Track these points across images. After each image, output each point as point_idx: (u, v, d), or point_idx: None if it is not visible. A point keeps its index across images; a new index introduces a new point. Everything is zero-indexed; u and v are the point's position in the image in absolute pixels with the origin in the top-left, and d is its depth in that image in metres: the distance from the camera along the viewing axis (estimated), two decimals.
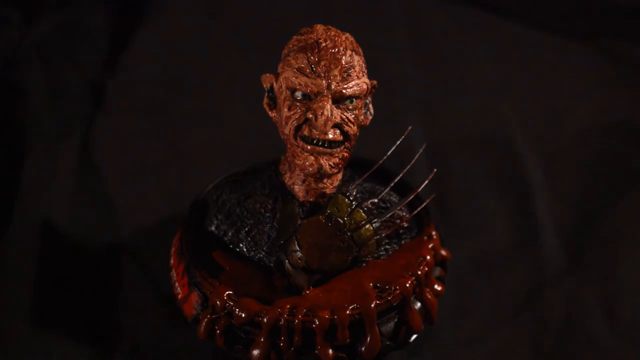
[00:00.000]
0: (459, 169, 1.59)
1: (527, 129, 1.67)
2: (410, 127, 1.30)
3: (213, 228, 1.31)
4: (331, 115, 1.18)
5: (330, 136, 1.20)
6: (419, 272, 1.26)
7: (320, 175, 1.22)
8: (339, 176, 1.28)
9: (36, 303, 1.33)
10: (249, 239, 1.28)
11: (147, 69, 1.81)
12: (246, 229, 1.28)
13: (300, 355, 1.22)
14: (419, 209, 1.29)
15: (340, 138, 1.21)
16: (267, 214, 1.27)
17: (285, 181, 1.27)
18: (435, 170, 1.31)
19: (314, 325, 1.19)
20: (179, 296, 1.29)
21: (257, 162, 1.37)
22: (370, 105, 1.27)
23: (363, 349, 1.22)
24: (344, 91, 1.19)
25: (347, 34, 1.23)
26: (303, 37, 1.21)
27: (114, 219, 1.50)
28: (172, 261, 1.33)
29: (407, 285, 1.24)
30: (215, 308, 1.23)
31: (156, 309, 1.35)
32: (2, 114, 1.65)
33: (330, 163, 1.21)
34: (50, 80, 1.75)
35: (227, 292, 1.23)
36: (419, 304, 1.27)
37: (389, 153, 1.28)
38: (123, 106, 1.73)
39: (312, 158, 1.21)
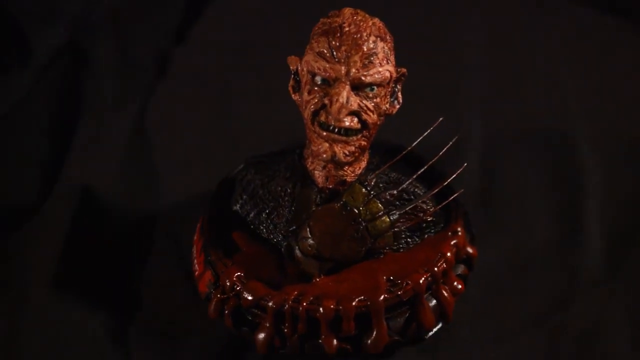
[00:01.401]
0: (512, 165, 1.53)
1: (592, 127, 1.59)
2: (441, 119, 1.26)
3: (237, 207, 1.30)
4: (347, 102, 1.15)
5: (347, 124, 1.16)
6: (436, 269, 1.22)
7: (334, 162, 1.19)
8: (363, 164, 1.24)
9: (62, 267, 1.36)
10: (269, 221, 1.26)
11: (214, 42, 1.81)
12: (267, 211, 1.27)
13: (303, 343, 1.20)
14: (442, 204, 1.25)
15: (358, 126, 1.18)
16: (287, 198, 1.25)
17: (307, 166, 1.25)
18: (465, 164, 1.26)
19: (318, 314, 1.17)
20: (196, 273, 1.29)
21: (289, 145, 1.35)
22: (399, 94, 1.23)
23: (369, 342, 1.19)
24: (363, 78, 1.15)
25: (376, 20, 1.19)
26: (329, 20, 1.18)
27: (155, 190, 1.51)
28: (195, 237, 1.34)
29: (421, 281, 1.20)
30: (225, 288, 1.22)
31: (178, 284, 1.35)
32: (66, 78, 1.69)
33: (345, 151, 1.18)
34: (119, 48, 1.78)
35: (237, 274, 1.22)
36: (434, 301, 1.24)
37: (414, 144, 1.24)
38: (185, 78, 1.73)
39: (327, 145, 1.18)
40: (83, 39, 1.78)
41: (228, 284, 1.22)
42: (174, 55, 1.79)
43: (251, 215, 1.28)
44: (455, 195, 1.26)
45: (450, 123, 1.54)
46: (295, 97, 1.22)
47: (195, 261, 1.30)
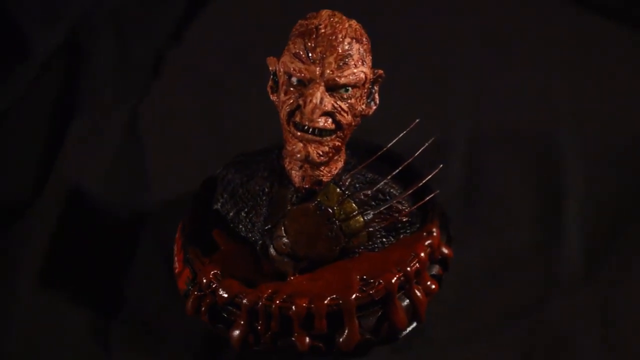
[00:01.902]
0: (495, 166, 1.54)
1: (577, 129, 1.59)
2: (417, 120, 1.27)
3: (218, 206, 1.32)
4: (320, 103, 1.17)
5: (321, 124, 1.18)
6: (409, 269, 1.23)
7: (308, 162, 1.21)
8: (339, 164, 1.26)
9: (48, 265, 1.38)
10: (247, 220, 1.28)
11: (211, 43, 1.83)
12: (245, 210, 1.29)
13: (277, 340, 1.22)
14: (417, 205, 1.27)
15: (332, 127, 1.19)
16: (264, 197, 1.27)
17: (285, 165, 1.27)
18: (441, 166, 1.27)
19: (290, 312, 1.19)
20: (176, 271, 1.31)
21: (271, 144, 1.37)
22: (377, 95, 1.25)
23: (340, 340, 1.21)
24: (337, 79, 1.17)
25: (353, 22, 1.21)
26: (306, 21, 1.20)
27: (145, 189, 1.53)
28: (177, 235, 1.36)
29: (393, 280, 1.22)
30: (201, 286, 1.24)
31: (162, 282, 1.37)
32: (63, 78, 1.72)
33: (319, 151, 1.20)
34: (117, 48, 1.80)
35: (213, 271, 1.24)
36: (407, 301, 1.25)
37: (389, 145, 1.26)
38: (180, 78, 1.76)
39: (301, 145, 1.20)
40: (81, 39, 1.80)
41: (204, 281, 1.24)
42: (170, 56, 1.81)
43: (231, 214, 1.30)
44: (431, 196, 1.28)
45: (435, 124, 1.59)
46: (273, 97, 1.24)
47: (176, 259, 1.32)
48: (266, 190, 1.27)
